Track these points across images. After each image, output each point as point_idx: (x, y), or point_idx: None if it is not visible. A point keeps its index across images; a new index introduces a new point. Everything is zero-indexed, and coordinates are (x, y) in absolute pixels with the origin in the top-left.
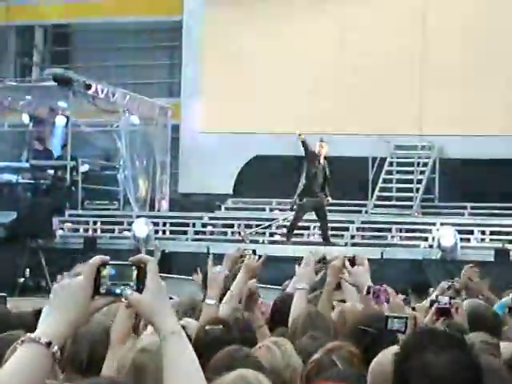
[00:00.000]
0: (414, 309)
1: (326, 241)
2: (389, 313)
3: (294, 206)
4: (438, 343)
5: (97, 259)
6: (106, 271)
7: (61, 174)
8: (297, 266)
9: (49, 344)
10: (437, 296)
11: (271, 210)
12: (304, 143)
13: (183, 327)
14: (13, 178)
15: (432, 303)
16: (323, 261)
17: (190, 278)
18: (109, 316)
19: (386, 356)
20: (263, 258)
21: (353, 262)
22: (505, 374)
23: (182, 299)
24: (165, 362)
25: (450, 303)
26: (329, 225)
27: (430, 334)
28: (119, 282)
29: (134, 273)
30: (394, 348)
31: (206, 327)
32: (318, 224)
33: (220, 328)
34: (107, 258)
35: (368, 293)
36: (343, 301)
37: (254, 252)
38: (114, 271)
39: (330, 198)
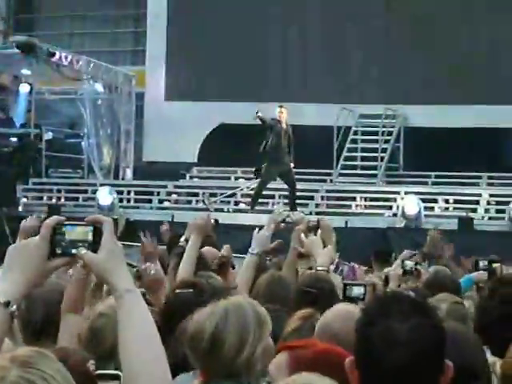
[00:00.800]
0: (386, 277)
1: (291, 209)
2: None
3: (258, 174)
4: (402, 308)
5: (53, 219)
6: (63, 229)
7: (24, 143)
8: (255, 231)
9: (7, 304)
10: (402, 261)
11: (236, 178)
12: (261, 119)
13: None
14: None
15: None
16: (287, 221)
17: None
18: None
19: (332, 313)
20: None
21: (317, 226)
22: (471, 336)
23: None
24: (120, 318)
25: (415, 268)
26: (297, 193)
27: (394, 300)
28: (75, 242)
29: (90, 233)
30: (341, 306)
31: (177, 290)
32: (286, 192)
33: (190, 291)
34: (63, 218)
35: (336, 269)
36: (311, 268)
37: (217, 221)
38: (71, 229)
39: (292, 164)
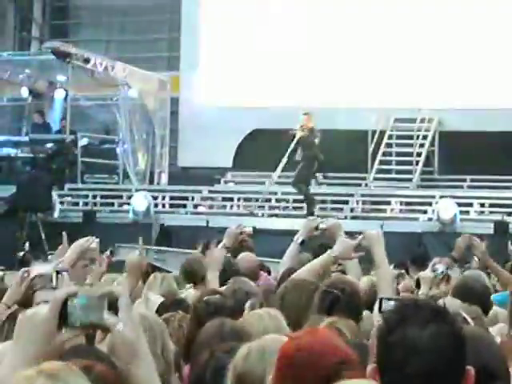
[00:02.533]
0: (418, 280)
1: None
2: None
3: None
4: (421, 316)
5: (63, 293)
6: (75, 301)
7: (60, 148)
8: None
9: None
10: (433, 265)
11: (270, 183)
12: (294, 136)
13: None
14: (12, 151)
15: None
16: (320, 227)
17: (189, 251)
18: None
19: None
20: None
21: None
22: (488, 338)
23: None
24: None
25: (446, 272)
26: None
27: (413, 307)
28: (89, 312)
29: (106, 304)
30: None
31: (205, 297)
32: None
33: (217, 297)
34: (75, 289)
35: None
36: (343, 272)
37: (254, 229)
38: (85, 301)
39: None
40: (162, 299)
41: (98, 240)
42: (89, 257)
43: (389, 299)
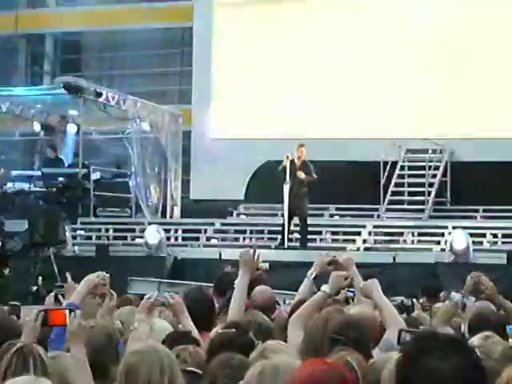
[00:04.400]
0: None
1: (301, 245)
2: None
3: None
4: (441, 347)
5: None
6: None
7: (72, 182)
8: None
9: None
10: (449, 294)
11: (283, 215)
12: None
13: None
14: (25, 186)
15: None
16: (334, 263)
17: (203, 284)
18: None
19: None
20: (254, 247)
21: (336, 261)
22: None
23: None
24: None
25: (462, 301)
26: (308, 229)
27: (432, 338)
28: None
29: None
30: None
31: (220, 330)
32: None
33: (232, 331)
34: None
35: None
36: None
37: (270, 267)
38: None
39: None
40: (167, 325)
41: (108, 275)
42: (99, 292)
43: (407, 331)
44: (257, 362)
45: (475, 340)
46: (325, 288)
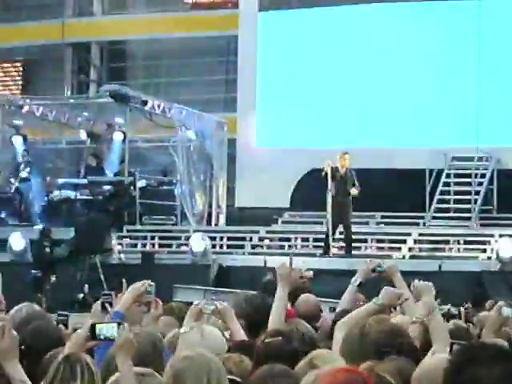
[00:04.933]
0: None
1: (346, 252)
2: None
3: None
4: (489, 356)
5: None
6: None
7: (118, 190)
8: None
9: None
10: (500, 307)
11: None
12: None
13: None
14: (71, 194)
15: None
16: (378, 270)
17: (248, 291)
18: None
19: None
20: (291, 258)
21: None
22: None
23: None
24: None
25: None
26: (352, 237)
27: (480, 348)
28: None
29: None
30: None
31: (266, 339)
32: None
33: (279, 339)
34: None
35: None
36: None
37: (314, 275)
38: None
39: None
40: (217, 331)
41: (153, 283)
42: (145, 300)
43: (459, 344)
44: (308, 372)
45: None
46: (377, 300)
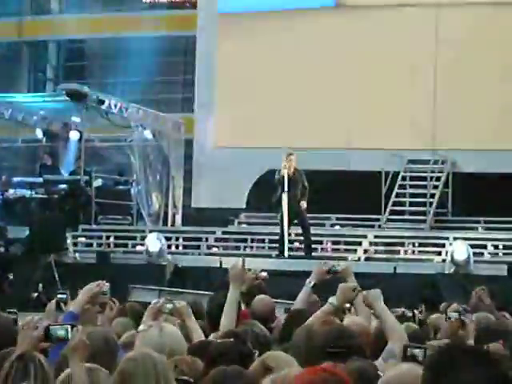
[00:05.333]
0: (425, 321)
1: (306, 254)
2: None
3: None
4: (469, 360)
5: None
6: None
7: (74, 189)
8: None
9: None
10: (446, 312)
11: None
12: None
13: None
14: (26, 193)
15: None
16: (333, 272)
17: (203, 292)
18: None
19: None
20: (243, 259)
21: (337, 271)
22: None
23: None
24: None
25: (460, 319)
26: (311, 237)
27: (457, 351)
28: None
29: None
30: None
31: (218, 340)
32: (331, 237)
33: (230, 341)
34: None
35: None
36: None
37: (263, 272)
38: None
39: (304, 207)
40: (176, 329)
41: (108, 284)
42: (100, 301)
43: (415, 347)
44: (262, 375)
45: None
46: (332, 300)
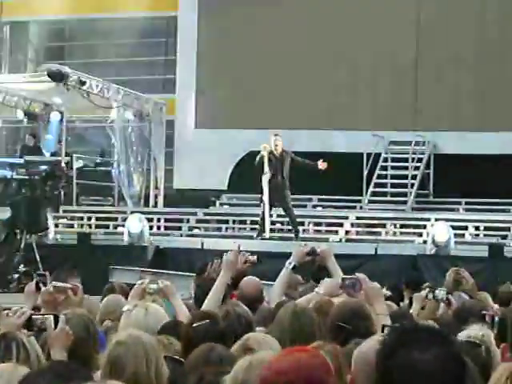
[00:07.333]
0: (410, 299)
1: (296, 236)
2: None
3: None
4: (422, 339)
5: None
6: None
7: (55, 171)
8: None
9: None
10: (434, 290)
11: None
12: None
13: None
14: (7, 173)
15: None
16: (313, 254)
17: (184, 273)
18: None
19: (367, 347)
20: (239, 248)
21: (314, 252)
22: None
23: None
24: None
25: (446, 297)
26: (296, 220)
27: (412, 330)
28: None
29: None
30: (374, 338)
31: (194, 324)
32: (314, 219)
33: (206, 322)
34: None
35: (343, 285)
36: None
37: (259, 259)
38: None
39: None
40: (161, 309)
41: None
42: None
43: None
44: (243, 356)
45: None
46: (318, 290)
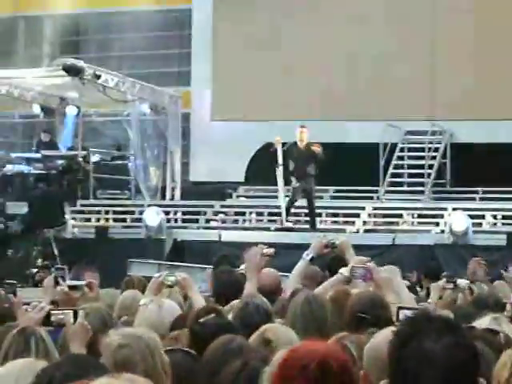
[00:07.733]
0: (428, 289)
1: (311, 227)
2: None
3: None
4: (434, 329)
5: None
6: None
7: (72, 165)
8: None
9: None
10: (455, 280)
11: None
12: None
13: None
14: (24, 168)
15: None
16: (331, 246)
17: (202, 266)
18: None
19: (379, 339)
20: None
21: (334, 245)
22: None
23: None
24: None
25: (469, 287)
26: (315, 212)
27: (426, 320)
28: None
29: None
30: (385, 332)
31: (200, 320)
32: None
33: (212, 316)
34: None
35: (353, 274)
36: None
37: (275, 253)
38: None
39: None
40: (175, 305)
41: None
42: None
43: (407, 308)
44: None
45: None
46: (342, 271)
